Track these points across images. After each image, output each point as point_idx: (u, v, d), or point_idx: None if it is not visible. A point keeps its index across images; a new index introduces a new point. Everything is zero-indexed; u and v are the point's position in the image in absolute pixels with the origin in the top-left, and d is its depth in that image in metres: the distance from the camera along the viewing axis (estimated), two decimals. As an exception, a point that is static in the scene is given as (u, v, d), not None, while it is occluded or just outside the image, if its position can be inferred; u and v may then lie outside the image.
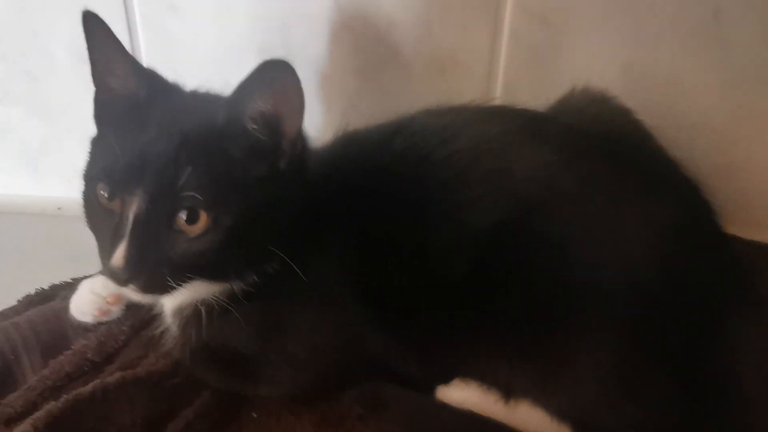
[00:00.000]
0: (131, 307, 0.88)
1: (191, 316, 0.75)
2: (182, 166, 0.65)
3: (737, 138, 1.05)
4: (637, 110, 0.88)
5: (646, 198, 0.75)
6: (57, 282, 0.98)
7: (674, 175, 0.83)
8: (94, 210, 0.69)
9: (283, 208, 0.72)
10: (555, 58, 1.03)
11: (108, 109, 0.73)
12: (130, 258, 0.64)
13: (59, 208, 1.22)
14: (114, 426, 0.74)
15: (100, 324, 0.87)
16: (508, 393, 0.75)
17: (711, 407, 0.70)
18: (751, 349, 0.72)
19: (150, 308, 0.84)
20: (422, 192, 0.76)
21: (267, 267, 0.73)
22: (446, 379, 0.79)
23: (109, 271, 0.66)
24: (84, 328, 0.87)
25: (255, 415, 0.78)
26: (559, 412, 0.73)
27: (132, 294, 0.69)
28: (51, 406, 0.72)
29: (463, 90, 1.06)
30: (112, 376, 0.77)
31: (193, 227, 0.66)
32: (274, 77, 0.66)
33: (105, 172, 0.68)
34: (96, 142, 0.74)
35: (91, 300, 0.86)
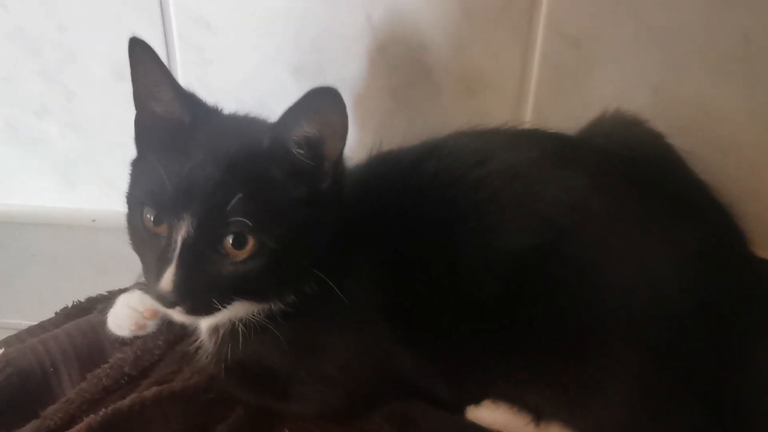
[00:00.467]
0: (165, 322, 0.89)
1: (227, 333, 0.76)
2: (230, 191, 0.66)
3: (766, 161, 1.04)
4: (666, 133, 0.88)
5: (676, 223, 0.75)
6: (92, 294, 1.00)
7: (704, 199, 0.84)
8: (140, 233, 0.70)
9: (323, 228, 0.73)
10: (585, 80, 1.04)
11: (150, 132, 0.73)
12: (178, 282, 0.65)
13: (93, 220, 1.25)
14: (151, 440, 0.75)
15: (136, 338, 0.88)
16: (538, 415, 0.76)
17: (738, 432, 0.70)
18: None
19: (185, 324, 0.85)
20: (454, 213, 0.76)
21: (306, 287, 0.74)
22: (476, 400, 0.79)
23: (156, 294, 0.67)
24: (120, 342, 0.88)
25: (287, 431, 0.79)
26: (589, 435, 0.73)
27: (176, 315, 0.71)
28: (90, 419, 0.74)
29: (494, 111, 1.06)
30: (148, 390, 0.79)
31: (240, 251, 0.67)
32: (323, 104, 0.67)
33: (151, 197, 0.69)
34: (138, 166, 0.74)
35: (128, 314, 0.87)
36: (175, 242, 0.66)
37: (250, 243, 0.67)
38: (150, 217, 0.68)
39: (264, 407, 0.81)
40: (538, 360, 0.73)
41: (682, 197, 0.80)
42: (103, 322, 0.88)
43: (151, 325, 0.89)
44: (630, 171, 0.80)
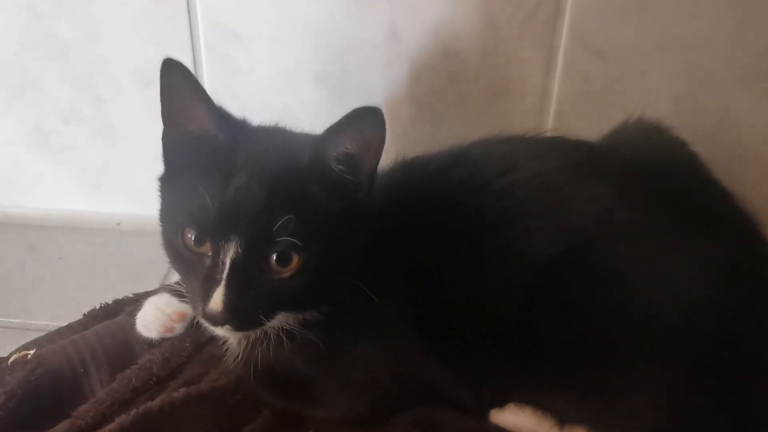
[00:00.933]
0: (193, 325, 0.90)
1: (258, 339, 0.77)
2: (275, 211, 0.66)
3: (789, 171, 1.05)
4: (688, 141, 0.89)
5: (701, 233, 0.75)
6: (118, 295, 1.00)
7: (729, 208, 0.83)
8: (180, 254, 0.70)
9: (358, 238, 0.73)
10: (608, 89, 1.04)
11: (181, 150, 0.72)
12: (228, 303, 0.66)
13: (118, 224, 1.27)
14: (180, 441, 0.76)
15: (164, 340, 0.89)
16: (562, 419, 0.76)
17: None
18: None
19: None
20: (479, 222, 0.77)
21: (342, 297, 0.74)
22: (500, 404, 0.80)
23: (204, 315, 0.68)
24: (149, 344, 0.89)
25: (312, 433, 0.80)
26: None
27: (221, 331, 0.73)
28: (122, 418, 0.75)
29: (516, 119, 1.07)
30: (177, 391, 0.80)
31: (285, 269, 0.68)
32: (367, 124, 0.67)
33: (193, 219, 0.68)
34: (173, 185, 0.73)
35: (156, 317, 0.88)
36: (223, 263, 0.66)
37: (295, 260, 0.68)
38: (191, 236, 0.69)
39: (291, 410, 0.82)
40: (562, 368, 0.73)
41: (706, 207, 0.80)
42: (132, 324, 0.89)
43: (179, 328, 0.90)
44: (655, 181, 0.80)
